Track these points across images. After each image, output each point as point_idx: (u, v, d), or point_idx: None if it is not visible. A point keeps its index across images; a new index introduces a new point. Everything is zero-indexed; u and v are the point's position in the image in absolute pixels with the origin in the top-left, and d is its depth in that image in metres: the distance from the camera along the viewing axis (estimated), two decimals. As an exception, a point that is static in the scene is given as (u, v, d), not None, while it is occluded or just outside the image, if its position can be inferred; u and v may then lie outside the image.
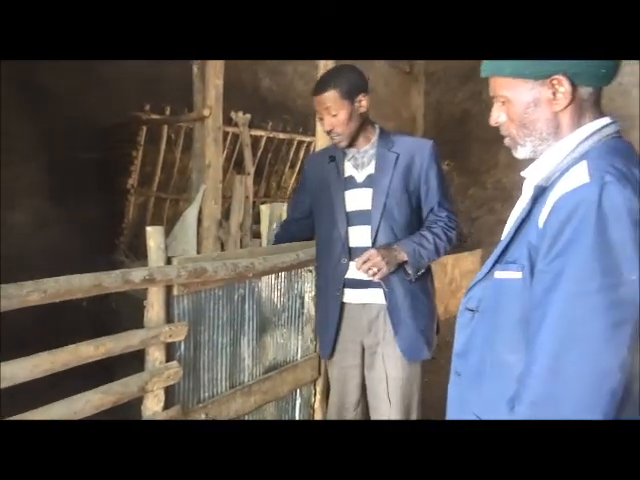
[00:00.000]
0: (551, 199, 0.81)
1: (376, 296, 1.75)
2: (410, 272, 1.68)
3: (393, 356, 1.74)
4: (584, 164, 0.80)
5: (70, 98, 3.24)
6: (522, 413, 0.79)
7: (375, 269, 1.63)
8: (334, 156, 1.79)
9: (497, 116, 0.95)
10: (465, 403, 0.95)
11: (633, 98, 5.08)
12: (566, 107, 0.86)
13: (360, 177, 1.76)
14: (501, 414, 0.84)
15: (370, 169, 1.74)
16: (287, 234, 2.00)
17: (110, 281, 1.35)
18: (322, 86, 1.68)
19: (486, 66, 0.94)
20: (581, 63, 0.83)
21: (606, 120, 0.88)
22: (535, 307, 0.80)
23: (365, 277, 1.69)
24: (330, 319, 1.82)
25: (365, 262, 1.64)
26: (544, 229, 0.80)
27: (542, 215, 0.82)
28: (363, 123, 1.73)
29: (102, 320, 2.85)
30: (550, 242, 0.78)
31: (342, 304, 1.79)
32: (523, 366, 0.81)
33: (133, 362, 1.52)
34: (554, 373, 0.75)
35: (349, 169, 1.78)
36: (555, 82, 0.85)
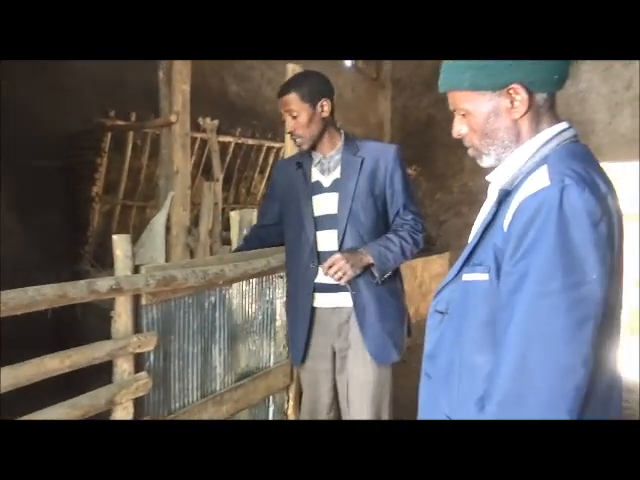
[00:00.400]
0: (515, 202, 0.84)
1: (345, 300, 1.75)
2: (376, 274, 1.69)
3: (363, 359, 1.75)
4: (544, 168, 0.83)
5: (28, 104, 3.14)
6: (492, 412, 0.81)
7: (340, 273, 1.64)
8: (301, 162, 1.81)
9: (459, 129, 0.97)
10: (436, 404, 0.97)
11: (589, 104, 5.28)
12: (524, 114, 0.89)
13: (326, 182, 1.78)
14: (471, 414, 0.85)
15: (336, 174, 1.76)
16: (256, 239, 1.99)
17: (75, 292, 1.31)
18: (285, 88, 1.73)
19: (443, 81, 0.96)
20: (536, 70, 0.87)
21: (564, 125, 0.91)
22: (502, 308, 0.82)
23: (334, 281, 1.70)
24: (300, 324, 1.82)
25: (330, 267, 1.65)
26: (509, 232, 0.82)
27: (507, 218, 0.84)
28: (327, 128, 1.76)
29: (68, 332, 2.77)
30: (515, 244, 0.80)
31: (312, 309, 1.80)
32: (492, 366, 0.83)
33: (101, 374, 1.48)
34: (521, 372, 0.77)
35: (316, 174, 1.80)
36: (512, 91, 0.88)
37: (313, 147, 1.77)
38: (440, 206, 6.41)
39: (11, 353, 1.39)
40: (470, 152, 0.98)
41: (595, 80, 5.26)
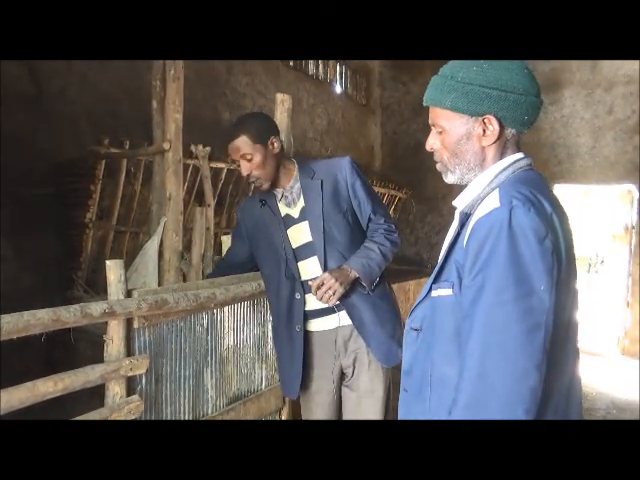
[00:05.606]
0: (472, 222, 0.91)
1: (344, 317, 1.78)
2: (366, 286, 1.73)
3: (369, 369, 1.79)
4: (496, 192, 0.91)
5: (24, 133, 3.20)
6: (458, 415, 0.86)
7: (331, 292, 1.66)
8: (264, 199, 1.82)
9: (432, 143, 1.04)
10: (411, 416, 1.01)
11: (573, 128, 5.43)
12: (492, 144, 0.97)
13: (295, 213, 1.80)
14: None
15: (302, 203, 1.79)
16: (223, 271, 2.00)
17: (69, 316, 1.34)
18: (234, 133, 1.73)
19: (429, 96, 1.02)
20: (509, 108, 0.95)
21: (519, 155, 0.99)
22: (464, 319, 0.88)
23: (324, 305, 1.72)
24: (295, 355, 1.81)
25: (319, 287, 1.67)
26: (466, 248, 0.90)
27: (465, 237, 0.91)
28: (281, 162, 1.78)
29: (60, 356, 2.76)
30: (472, 260, 0.87)
31: (307, 336, 1.81)
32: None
33: (93, 398, 1.50)
34: (480, 377, 0.83)
35: (283, 209, 1.81)
36: (487, 121, 0.96)
37: (273, 185, 1.78)
38: (431, 228, 6.48)
39: (3, 377, 1.40)
40: (438, 167, 1.06)
41: (578, 105, 5.41)
